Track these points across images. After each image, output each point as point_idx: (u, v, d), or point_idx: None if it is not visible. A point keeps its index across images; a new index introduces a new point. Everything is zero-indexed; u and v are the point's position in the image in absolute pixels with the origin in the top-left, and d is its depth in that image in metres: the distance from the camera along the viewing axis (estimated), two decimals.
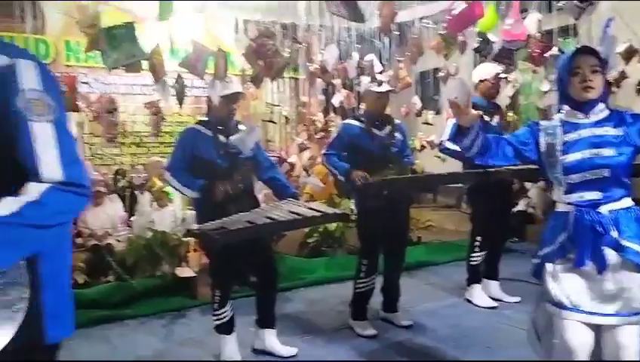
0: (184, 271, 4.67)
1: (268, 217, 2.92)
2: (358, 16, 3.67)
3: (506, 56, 4.43)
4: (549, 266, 2.18)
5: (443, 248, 6.16)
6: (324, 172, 6.49)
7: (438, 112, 7.89)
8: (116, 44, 3.85)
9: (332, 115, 6.78)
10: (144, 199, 5.69)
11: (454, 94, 2.08)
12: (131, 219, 5.59)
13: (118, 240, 5.16)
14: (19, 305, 1.14)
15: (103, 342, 3.86)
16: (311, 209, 3.12)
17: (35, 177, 1.18)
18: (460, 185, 5.12)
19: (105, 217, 5.38)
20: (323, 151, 3.89)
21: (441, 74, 5.79)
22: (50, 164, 1.19)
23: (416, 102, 6.57)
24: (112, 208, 5.54)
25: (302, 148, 6.23)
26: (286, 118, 7.02)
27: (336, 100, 6.50)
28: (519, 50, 4.69)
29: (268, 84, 5.69)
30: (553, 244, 2.18)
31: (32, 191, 1.16)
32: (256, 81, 4.09)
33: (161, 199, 5.27)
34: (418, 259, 5.51)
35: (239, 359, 3.32)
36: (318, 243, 5.64)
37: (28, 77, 1.23)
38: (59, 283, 1.36)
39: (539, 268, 2.25)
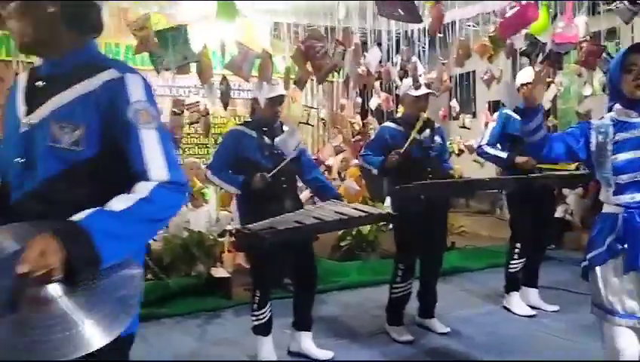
0: (219, 272, 4.71)
1: (315, 217, 2.92)
2: (415, 17, 3.64)
3: (555, 59, 4.32)
4: (598, 270, 2.13)
5: (477, 254, 6.06)
6: (356, 175, 6.48)
7: (474, 116, 7.79)
8: (167, 46, 3.91)
9: (369, 117, 6.74)
10: None
11: (504, 96, 2.09)
12: None
13: (154, 239, 5.21)
14: (134, 300, 1.23)
15: (140, 341, 3.88)
16: (356, 209, 3.12)
17: (144, 178, 1.31)
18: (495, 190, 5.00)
19: None
20: (360, 152, 3.88)
21: (484, 77, 5.69)
22: (156, 166, 1.33)
23: (455, 105, 6.48)
24: None
25: (337, 151, 6.21)
26: (323, 120, 7.01)
27: (373, 103, 6.46)
28: (567, 54, 4.57)
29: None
30: (601, 246, 2.13)
31: (142, 189, 1.29)
32: (300, 83, 4.10)
33: (197, 199, 5.32)
34: (452, 264, 5.43)
35: (275, 360, 3.32)
36: (351, 247, 5.62)
37: (135, 89, 1.37)
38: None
39: (587, 271, 2.19)
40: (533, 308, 4.21)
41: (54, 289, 1.16)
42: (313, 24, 5.85)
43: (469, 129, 6.80)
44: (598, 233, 2.16)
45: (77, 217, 1.22)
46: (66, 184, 1.35)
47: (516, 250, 4.21)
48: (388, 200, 5.87)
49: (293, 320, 3.47)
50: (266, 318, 3.31)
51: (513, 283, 4.26)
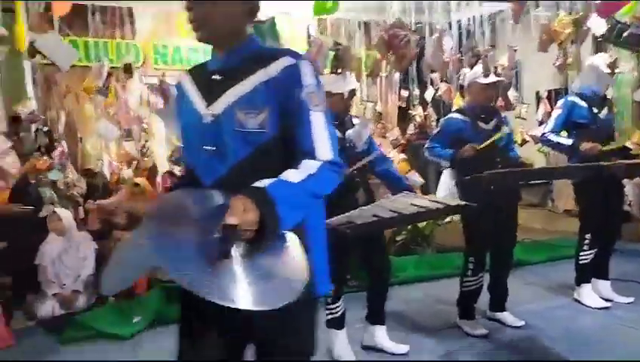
0: None
1: (391, 210, 2.89)
2: None
3: (634, 42, 4.18)
4: None
5: (535, 247, 5.94)
6: (406, 169, 6.42)
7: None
8: (262, 38, 3.90)
9: (429, 110, 6.65)
10: None
11: (591, 80, 2.00)
12: None
13: None
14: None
15: None
16: (432, 201, 3.08)
17: (310, 156, 1.44)
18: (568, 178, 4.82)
19: None
20: (425, 145, 3.82)
21: (556, 63, 5.55)
22: (323, 146, 1.46)
23: (513, 94, 6.35)
24: None
25: (394, 145, 6.15)
26: (380, 114, 6.94)
27: (429, 95, 6.37)
28: None
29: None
30: None
31: (311, 166, 1.41)
32: (373, 74, 4.07)
33: None
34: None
35: (351, 354, 3.31)
36: (406, 241, 5.57)
37: (308, 75, 1.49)
38: (321, 248, 1.62)
39: None
40: (605, 300, 4.10)
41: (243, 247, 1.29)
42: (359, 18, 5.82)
43: (524, 119, 6.66)
44: None
45: (261, 184, 1.33)
46: (253, 164, 1.47)
47: (586, 241, 4.11)
48: (440, 192, 5.83)
49: (366, 313, 3.46)
50: (340, 312, 3.30)
51: (584, 275, 4.15)
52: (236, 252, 1.28)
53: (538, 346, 3.47)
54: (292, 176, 1.37)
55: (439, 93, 6.21)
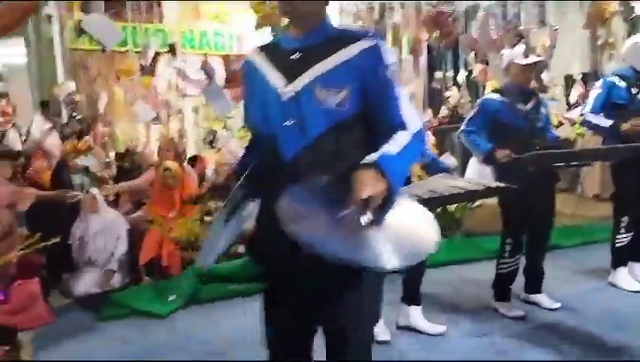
0: None
1: (430, 190, 2.86)
2: None
3: None
4: None
5: (566, 231, 5.84)
6: (434, 153, 6.37)
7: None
8: None
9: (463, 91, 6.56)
10: None
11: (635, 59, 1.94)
12: None
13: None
14: None
15: (247, 314, 4.01)
16: (470, 182, 3.04)
17: (401, 128, 1.55)
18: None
19: None
20: (461, 128, 3.76)
21: (598, 42, 5.45)
22: (411, 118, 1.59)
23: (546, 77, 6.23)
24: None
25: (426, 128, 6.10)
26: (411, 95, 6.88)
27: (460, 76, 6.30)
28: None
29: None
30: None
31: (404, 137, 1.53)
32: (415, 52, 4.03)
33: None
34: None
35: (388, 334, 3.32)
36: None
37: (388, 54, 1.61)
38: None
39: None
40: None
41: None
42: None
43: (558, 101, 6.56)
44: None
45: (371, 158, 1.45)
46: (333, 138, 1.58)
47: (622, 224, 4.05)
48: (468, 174, 5.78)
49: (402, 294, 3.46)
50: None
51: (620, 258, 4.10)
52: (370, 220, 1.40)
53: (574, 328, 3.44)
54: (391, 148, 1.49)
55: (474, 74, 6.13)
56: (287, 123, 1.59)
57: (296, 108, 1.58)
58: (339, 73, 1.56)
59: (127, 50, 6.34)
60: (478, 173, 6.02)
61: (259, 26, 4.25)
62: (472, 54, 5.90)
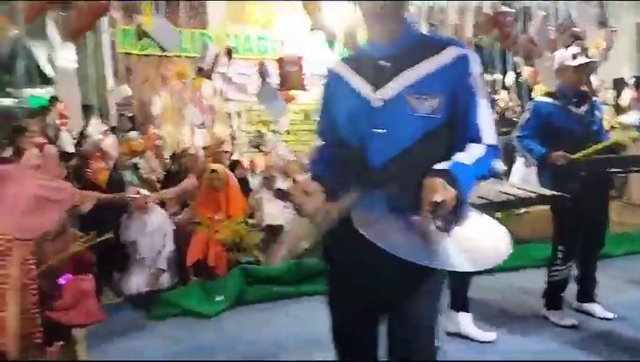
0: None
1: (480, 197, 2.84)
2: None
3: None
4: None
5: (614, 240, 5.69)
6: None
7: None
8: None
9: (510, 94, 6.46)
10: None
11: None
12: None
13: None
14: None
15: (293, 317, 4.04)
16: (521, 189, 3.00)
17: (477, 140, 1.56)
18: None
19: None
20: (516, 134, 3.68)
21: None
22: (488, 132, 1.59)
23: (595, 80, 6.07)
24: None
25: None
26: None
27: (509, 79, 6.19)
28: None
29: None
30: None
31: (479, 149, 1.55)
32: None
33: None
34: None
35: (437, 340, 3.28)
36: None
37: (476, 64, 1.61)
38: None
39: None
40: None
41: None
42: None
43: (609, 105, 6.39)
44: None
45: (442, 166, 1.47)
46: (423, 146, 1.57)
47: None
48: (513, 179, 5.67)
49: (450, 301, 3.42)
50: None
51: None
52: (441, 225, 1.45)
53: (626, 338, 3.35)
54: (464, 158, 1.50)
55: (523, 76, 6.02)
56: (377, 130, 1.59)
57: (387, 115, 1.58)
58: (430, 80, 1.56)
59: (177, 56, 6.48)
60: (523, 178, 5.93)
61: (312, 28, 4.30)
62: (520, 57, 5.79)
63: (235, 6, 7.26)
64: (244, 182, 5.75)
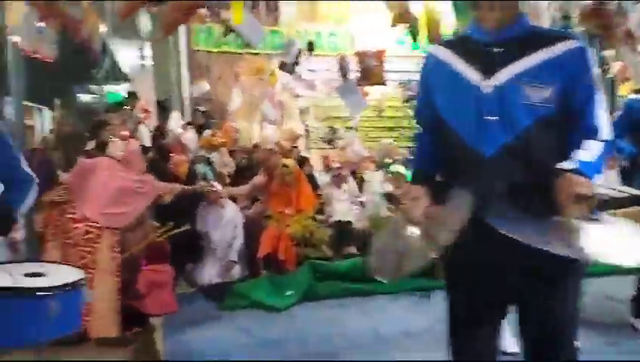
0: None
1: None
2: None
3: None
4: None
5: None
6: None
7: None
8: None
9: None
10: (374, 179, 5.78)
11: None
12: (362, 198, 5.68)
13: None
14: None
15: (362, 314, 4.02)
16: (610, 189, 2.82)
17: (593, 135, 1.53)
18: None
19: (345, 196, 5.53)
20: None
21: None
22: (605, 127, 1.55)
23: None
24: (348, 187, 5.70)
25: None
26: None
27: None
28: None
29: None
30: None
31: (597, 148, 1.51)
32: None
33: (397, 180, 5.31)
34: None
35: (516, 346, 3.15)
36: None
37: (593, 58, 1.59)
38: None
39: None
40: None
41: None
42: None
43: None
44: None
45: (569, 165, 1.45)
46: (535, 135, 1.55)
47: None
48: None
49: None
50: None
51: None
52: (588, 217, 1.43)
53: None
54: (587, 156, 1.48)
55: (612, 72, 5.68)
56: (489, 117, 1.56)
57: (499, 102, 1.55)
58: (544, 70, 1.54)
59: (250, 53, 6.56)
60: (602, 177, 5.60)
61: (394, 22, 4.26)
62: (613, 51, 5.45)
63: (308, 4, 7.28)
64: (311, 179, 5.76)
